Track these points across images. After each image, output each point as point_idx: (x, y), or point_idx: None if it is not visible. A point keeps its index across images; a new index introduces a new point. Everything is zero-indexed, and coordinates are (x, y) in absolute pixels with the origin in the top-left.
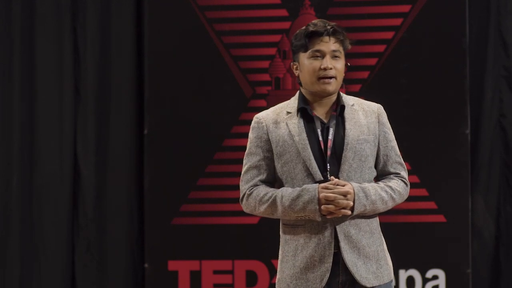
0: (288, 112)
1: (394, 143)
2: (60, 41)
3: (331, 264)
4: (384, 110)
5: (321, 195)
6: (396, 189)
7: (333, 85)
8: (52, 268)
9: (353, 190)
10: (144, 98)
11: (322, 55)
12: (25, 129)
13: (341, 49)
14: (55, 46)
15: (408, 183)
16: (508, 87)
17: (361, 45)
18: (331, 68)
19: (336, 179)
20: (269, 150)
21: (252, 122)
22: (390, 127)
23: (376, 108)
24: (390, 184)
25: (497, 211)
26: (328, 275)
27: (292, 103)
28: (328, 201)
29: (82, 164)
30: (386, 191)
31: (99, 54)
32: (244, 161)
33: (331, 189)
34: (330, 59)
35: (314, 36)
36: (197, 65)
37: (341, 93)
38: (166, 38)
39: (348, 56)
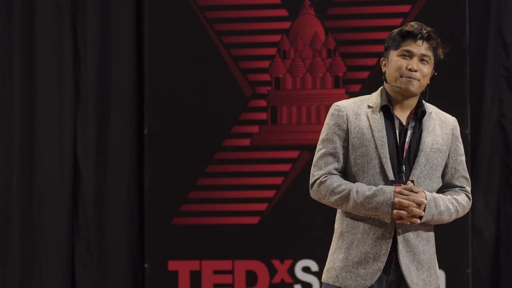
0: (370, 106)
1: (463, 157)
2: (60, 41)
3: (384, 263)
4: (458, 125)
5: (396, 199)
6: (461, 202)
7: (415, 86)
8: (52, 268)
9: (426, 199)
10: (144, 98)
11: (411, 56)
12: (25, 129)
13: (431, 55)
14: (55, 46)
15: (471, 198)
16: (508, 87)
17: (361, 45)
18: (416, 71)
19: (411, 184)
20: (346, 139)
21: (332, 109)
22: (461, 142)
23: (451, 120)
24: (456, 197)
25: (497, 211)
26: (380, 274)
27: (374, 98)
28: (402, 207)
29: (82, 164)
30: (453, 203)
31: (99, 54)
32: (319, 147)
33: (406, 195)
34: (417, 62)
35: (408, 36)
36: (197, 65)
37: (422, 100)
38: (166, 38)
39: (348, 56)
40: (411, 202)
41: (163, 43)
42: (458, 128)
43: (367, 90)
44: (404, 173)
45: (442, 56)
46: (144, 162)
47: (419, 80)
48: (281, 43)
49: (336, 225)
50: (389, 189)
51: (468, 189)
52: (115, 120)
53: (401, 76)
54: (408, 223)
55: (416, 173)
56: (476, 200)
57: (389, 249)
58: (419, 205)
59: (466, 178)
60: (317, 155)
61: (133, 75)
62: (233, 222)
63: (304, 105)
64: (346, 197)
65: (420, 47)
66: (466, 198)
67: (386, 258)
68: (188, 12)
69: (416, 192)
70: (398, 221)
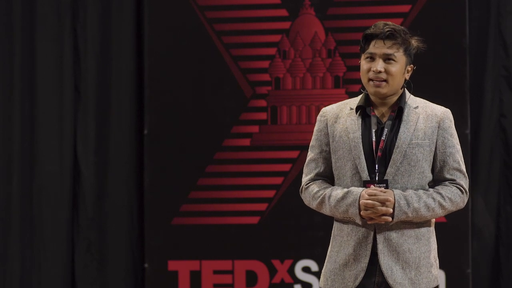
0: (351, 108)
1: (454, 149)
2: (60, 41)
3: (366, 264)
4: (450, 116)
5: (361, 201)
6: (447, 196)
7: (384, 88)
8: (52, 268)
9: (394, 197)
10: (144, 98)
11: (374, 57)
12: (25, 129)
13: (397, 52)
14: (55, 46)
15: (465, 191)
16: (508, 87)
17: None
18: (380, 71)
19: (382, 188)
20: (328, 144)
21: (318, 115)
22: (454, 134)
23: (440, 113)
24: (441, 191)
25: (497, 211)
26: (363, 275)
27: (356, 100)
28: (368, 207)
29: (82, 164)
30: (433, 198)
31: (99, 54)
32: (308, 153)
33: (372, 195)
34: (382, 62)
35: (371, 38)
36: (197, 65)
37: (408, 94)
38: (166, 38)
39: (348, 56)
40: (375, 202)
41: (163, 43)
42: (449, 120)
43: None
44: (378, 172)
45: (415, 49)
46: (144, 162)
47: (386, 81)
48: (281, 43)
49: (332, 230)
50: (357, 190)
51: (461, 181)
52: (115, 120)
53: (369, 80)
54: (383, 222)
55: (392, 171)
56: (476, 200)
57: (370, 249)
58: (383, 203)
59: (458, 170)
60: (306, 162)
61: (133, 75)
62: (233, 222)
63: (304, 105)
64: (323, 202)
65: (382, 47)
66: (457, 191)
67: (368, 259)
68: (188, 12)
69: (384, 192)
70: (369, 222)
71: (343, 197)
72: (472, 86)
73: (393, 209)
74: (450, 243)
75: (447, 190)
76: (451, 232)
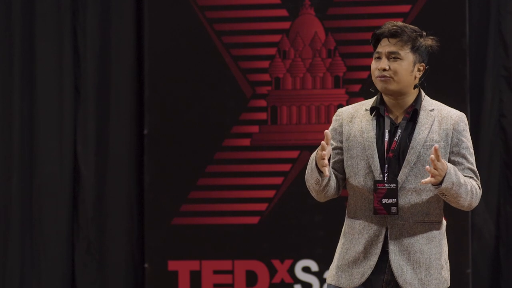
0: (366, 109)
1: (467, 151)
2: (60, 41)
3: (375, 262)
4: (465, 119)
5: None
6: (474, 185)
7: (391, 84)
8: (52, 268)
9: (446, 165)
10: (144, 98)
11: (380, 56)
12: (25, 129)
13: (402, 50)
14: (55, 46)
15: (481, 189)
16: (508, 87)
17: (361, 45)
18: (384, 69)
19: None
20: (341, 141)
21: (334, 114)
22: (469, 137)
23: (455, 116)
24: (471, 181)
25: (497, 211)
26: (370, 272)
27: (371, 101)
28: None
29: (82, 164)
30: (471, 184)
31: (99, 54)
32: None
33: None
34: (386, 60)
35: (379, 38)
36: (197, 65)
37: (424, 96)
38: (166, 38)
39: (348, 56)
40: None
41: (163, 43)
42: (464, 124)
43: (367, 90)
44: (387, 173)
45: (427, 48)
46: (144, 162)
47: (392, 78)
48: (281, 43)
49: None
50: (313, 155)
51: (476, 181)
52: (115, 120)
53: (376, 78)
54: (433, 181)
55: (405, 171)
56: None
57: (380, 248)
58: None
59: (472, 170)
60: None
61: (133, 75)
62: (233, 222)
63: (304, 105)
64: (307, 181)
65: (388, 45)
66: (477, 186)
67: (377, 257)
68: (188, 12)
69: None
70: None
71: (309, 160)
72: (472, 86)
73: (444, 175)
74: (450, 243)
75: (473, 183)
76: (451, 232)
